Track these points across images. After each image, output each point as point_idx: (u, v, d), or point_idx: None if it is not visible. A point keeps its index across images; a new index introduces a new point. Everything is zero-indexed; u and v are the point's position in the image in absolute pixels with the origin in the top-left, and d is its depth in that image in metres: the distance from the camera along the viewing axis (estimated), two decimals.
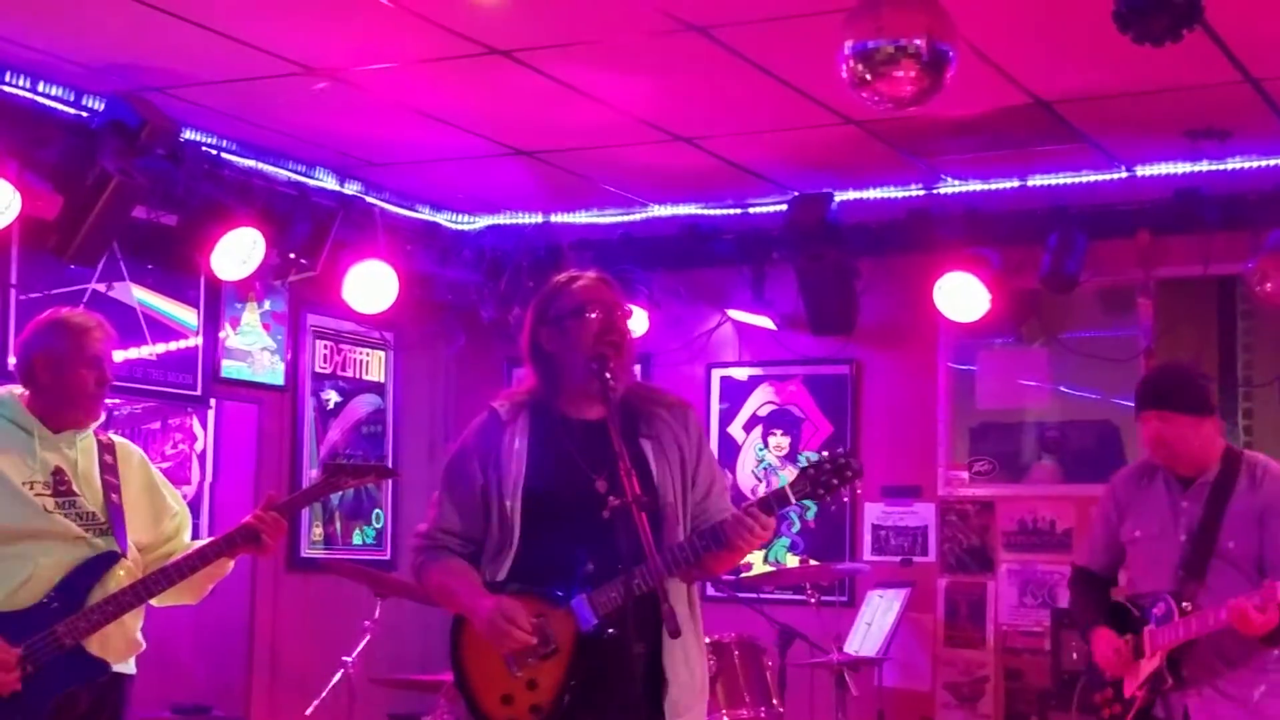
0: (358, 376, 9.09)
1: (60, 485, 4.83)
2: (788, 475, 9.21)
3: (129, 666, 4.93)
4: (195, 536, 5.24)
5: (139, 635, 4.95)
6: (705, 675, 4.73)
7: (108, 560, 4.83)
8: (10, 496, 4.73)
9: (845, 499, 4.45)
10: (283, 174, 7.92)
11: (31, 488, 4.77)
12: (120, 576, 4.85)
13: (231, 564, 5.03)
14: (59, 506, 4.80)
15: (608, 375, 4.43)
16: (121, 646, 4.89)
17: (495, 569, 4.52)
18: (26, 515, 4.73)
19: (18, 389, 4.95)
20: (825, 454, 4.42)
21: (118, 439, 5.09)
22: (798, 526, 9.11)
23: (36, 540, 4.74)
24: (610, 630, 4.37)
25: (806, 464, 4.44)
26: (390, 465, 9.12)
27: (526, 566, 4.49)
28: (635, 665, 4.29)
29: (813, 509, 8.93)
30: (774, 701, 7.38)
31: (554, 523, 4.48)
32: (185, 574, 4.86)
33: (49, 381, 4.87)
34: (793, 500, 4.38)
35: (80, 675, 4.75)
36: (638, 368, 9.28)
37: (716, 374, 9.51)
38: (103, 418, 5.09)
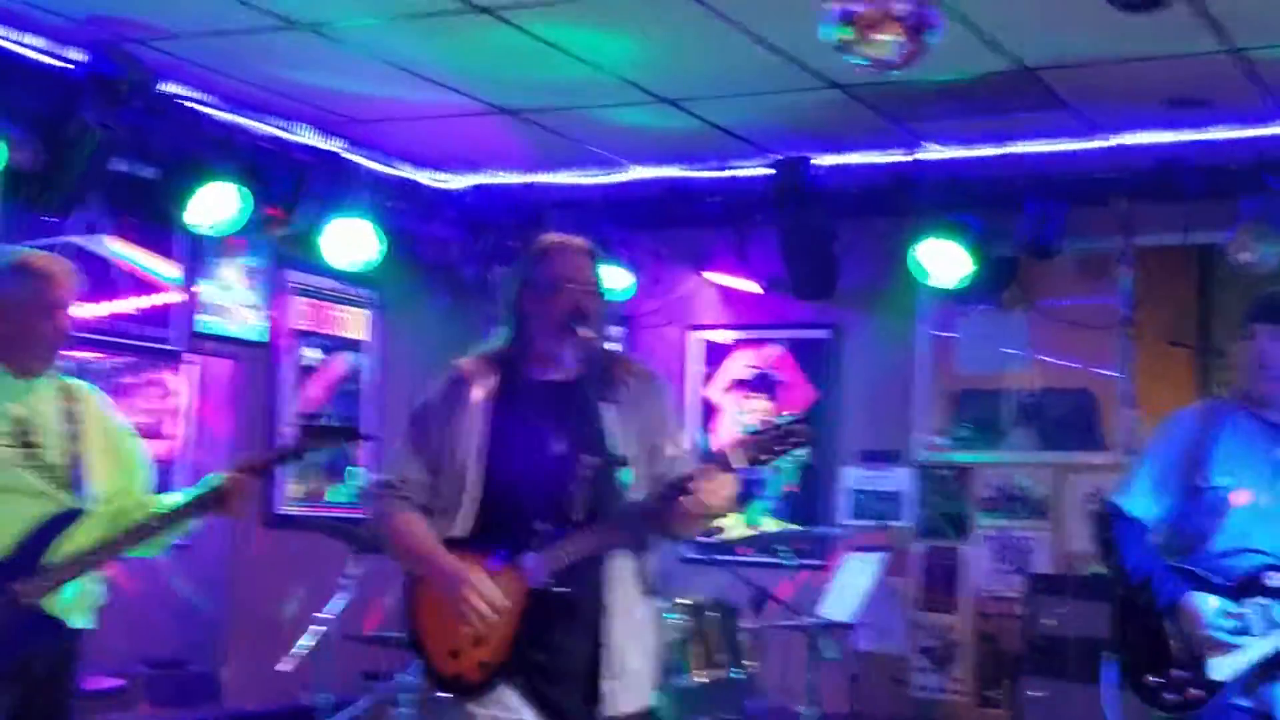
0: (338, 334, 9.09)
1: (23, 436, 4.70)
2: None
3: (86, 621, 4.80)
4: (171, 490, 5.19)
5: (97, 589, 4.83)
6: (654, 641, 4.73)
7: (70, 517, 4.69)
8: None
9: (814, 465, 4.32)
10: (263, 129, 7.92)
11: None
12: (82, 534, 4.72)
13: (196, 522, 4.92)
14: (21, 460, 4.66)
15: (586, 338, 4.45)
16: (80, 605, 4.76)
17: (450, 524, 4.52)
18: None
19: None
20: (775, 423, 4.41)
21: (76, 381, 4.95)
22: (776, 489, 9.14)
23: None
24: (559, 589, 4.37)
25: (757, 429, 4.44)
26: (372, 424, 9.14)
27: (481, 523, 4.49)
28: (582, 624, 4.31)
29: (791, 473, 8.97)
30: (747, 663, 7.41)
31: (511, 481, 4.48)
32: (151, 534, 4.76)
33: (8, 328, 4.72)
34: (741, 462, 4.35)
35: (38, 638, 4.63)
36: (618, 330, 9.35)
37: (697, 336, 9.53)
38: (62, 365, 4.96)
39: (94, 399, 4.98)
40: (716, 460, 4.36)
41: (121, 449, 4.99)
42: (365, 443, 9.00)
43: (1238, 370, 5.11)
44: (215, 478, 4.86)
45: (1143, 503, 5.09)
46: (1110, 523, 5.10)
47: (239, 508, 4.86)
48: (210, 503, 4.82)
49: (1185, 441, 5.08)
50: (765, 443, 4.39)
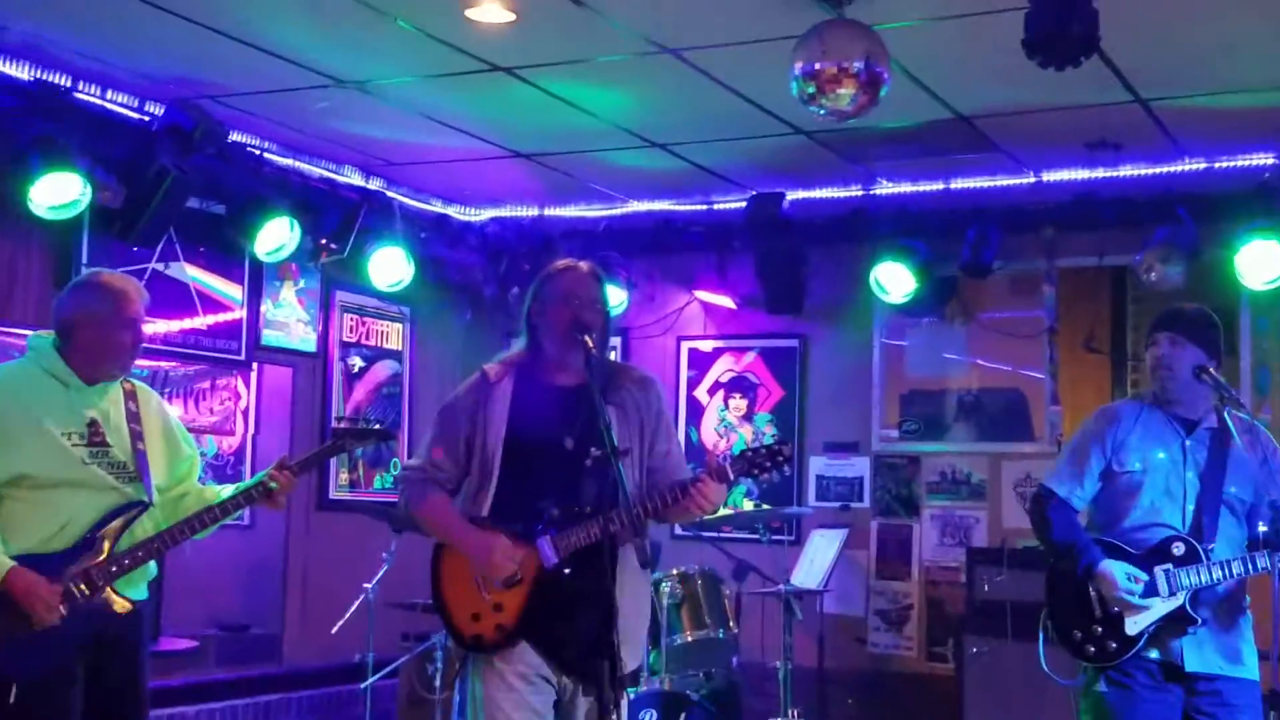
0: (379, 345, 9.10)
1: (94, 436, 4.60)
2: (745, 434, 9.28)
3: (143, 593, 4.73)
4: (239, 480, 5.15)
5: (153, 565, 4.74)
6: (649, 608, 4.76)
7: (136, 509, 4.64)
8: (51, 447, 4.51)
9: (778, 478, 4.32)
10: (315, 171, 7.92)
11: (69, 438, 4.54)
12: (146, 525, 4.67)
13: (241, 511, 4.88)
14: (93, 457, 4.58)
15: (589, 346, 4.48)
16: (140, 582, 4.70)
17: (475, 506, 4.53)
18: (65, 465, 4.51)
19: (49, 335, 4.69)
20: (763, 445, 4.48)
21: (138, 384, 4.85)
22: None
23: (73, 488, 4.53)
24: (566, 570, 4.41)
25: (745, 450, 4.48)
26: (407, 421, 9.17)
27: (501, 506, 4.50)
28: (589, 597, 4.30)
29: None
30: (731, 625, 7.41)
31: (526, 470, 4.49)
32: (207, 524, 4.70)
33: (89, 340, 4.63)
34: (731, 477, 4.42)
35: (109, 614, 4.58)
36: (617, 340, 9.36)
37: (685, 346, 9.52)
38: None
39: (153, 399, 4.90)
40: (715, 472, 4.41)
41: (176, 444, 4.91)
42: (408, 434, 9.07)
43: (1149, 373, 5.12)
44: (262, 474, 4.81)
45: (1070, 486, 5.11)
46: (1043, 503, 5.13)
47: (281, 500, 4.81)
48: (257, 495, 4.77)
49: (1104, 434, 5.10)
50: (756, 460, 4.45)
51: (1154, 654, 4.91)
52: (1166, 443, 5.00)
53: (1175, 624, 4.88)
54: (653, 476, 4.59)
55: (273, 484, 4.75)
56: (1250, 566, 4.86)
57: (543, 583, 4.45)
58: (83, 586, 4.50)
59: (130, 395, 4.79)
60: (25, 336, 4.86)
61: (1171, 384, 4.99)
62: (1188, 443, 4.99)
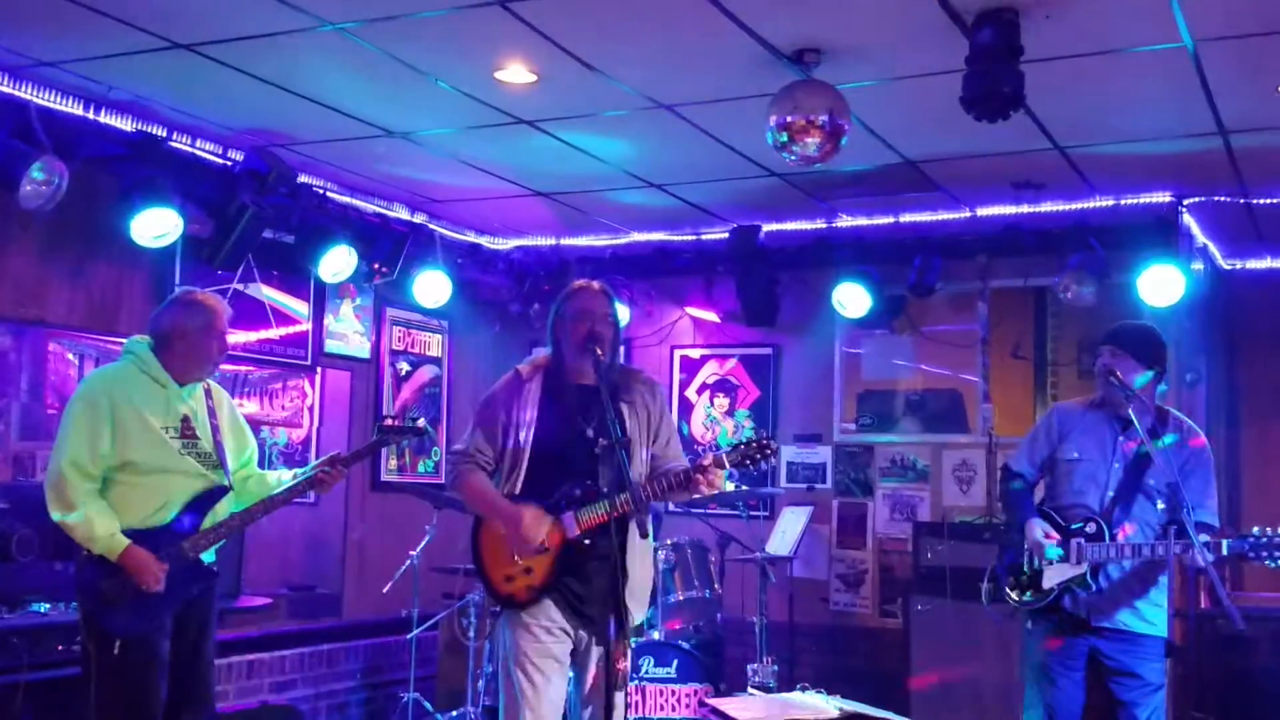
0: (423, 352, 9.09)
1: (186, 430, 4.66)
2: (727, 428, 9.26)
3: (213, 557, 4.80)
4: (305, 464, 5.16)
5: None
6: (651, 572, 4.75)
7: (220, 492, 4.71)
8: (153, 440, 4.58)
9: (766, 468, 4.35)
10: (370, 207, 7.90)
11: (167, 432, 4.61)
12: (227, 505, 4.74)
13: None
14: (186, 448, 4.65)
15: (600, 354, 4.48)
16: (213, 550, 4.77)
17: (509, 486, 4.55)
18: (164, 455, 4.59)
19: (144, 340, 4.72)
20: (753, 440, 4.46)
21: (211, 383, 4.88)
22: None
23: (169, 474, 4.60)
24: (587, 541, 4.43)
25: (739, 443, 4.47)
26: (446, 415, 9.15)
27: (531, 485, 4.52)
28: (604, 563, 4.32)
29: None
30: (716, 586, 7.42)
31: (551, 456, 4.51)
32: (278, 506, 4.79)
33: (184, 349, 4.69)
34: (727, 467, 4.43)
35: (197, 579, 4.68)
36: (621, 349, 9.34)
37: (677, 353, 9.52)
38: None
39: (225, 397, 4.94)
40: (715, 462, 4.42)
41: (242, 436, 4.95)
42: (447, 427, 9.04)
43: (1096, 379, 5.19)
44: (312, 469, 4.88)
45: (1025, 465, 5.30)
46: (1006, 476, 5.36)
47: (329, 487, 4.91)
48: (312, 483, 4.85)
49: (1052, 426, 5.26)
50: (749, 453, 4.45)
51: (1065, 606, 5.07)
52: (1101, 438, 5.09)
53: (1082, 583, 5.04)
54: (655, 462, 4.64)
55: (321, 476, 4.84)
56: (1138, 553, 4.93)
57: (566, 551, 4.45)
58: (179, 557, 4.59)
59: (207, 393, 4.84)
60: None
61: (1112, 389, 5.05)
62: (1120, 439, 5.06)
